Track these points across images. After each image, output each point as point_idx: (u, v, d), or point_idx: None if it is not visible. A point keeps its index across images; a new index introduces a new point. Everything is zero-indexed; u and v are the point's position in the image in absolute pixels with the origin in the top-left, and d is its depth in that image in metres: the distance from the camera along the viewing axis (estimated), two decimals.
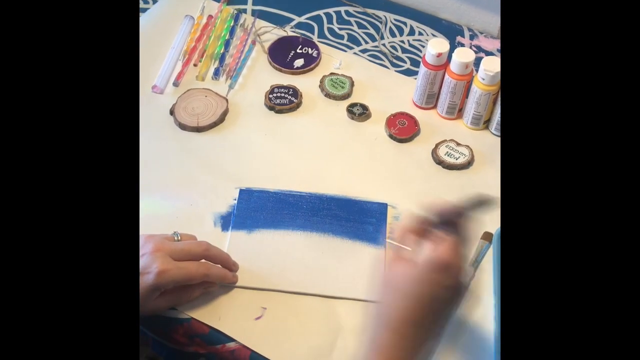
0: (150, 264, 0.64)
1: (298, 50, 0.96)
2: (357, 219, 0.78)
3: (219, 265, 0.70)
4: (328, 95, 0.92)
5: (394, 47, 0.99)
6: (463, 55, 0.85)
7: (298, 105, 0.90)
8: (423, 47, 1.00)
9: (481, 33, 1.02)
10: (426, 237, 0.58)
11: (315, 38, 1.00)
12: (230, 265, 0.71)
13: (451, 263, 0.55)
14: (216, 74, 0.93)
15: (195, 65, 0.94)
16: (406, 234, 0.58)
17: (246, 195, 0.80)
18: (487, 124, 0.89)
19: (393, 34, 1.01)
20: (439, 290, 0.54)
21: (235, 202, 0.79)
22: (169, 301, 0.68)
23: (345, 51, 0.98)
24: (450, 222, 0.58)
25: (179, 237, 0.70)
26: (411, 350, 0.53)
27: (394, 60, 0.98)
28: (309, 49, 0.97)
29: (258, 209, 0.78)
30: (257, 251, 0.75)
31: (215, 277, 0.69)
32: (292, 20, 1.02)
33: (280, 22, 1.01)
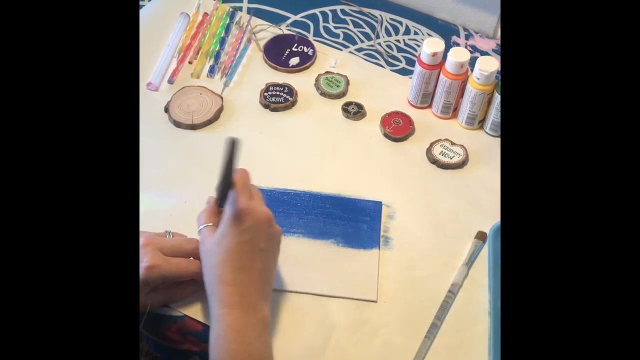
0: (140, 258, 0.64)
1: (293, 49, 0.96)
2: (351, 217, 0.78)
3: None
4: (323, 93, 0.92)
5: (389, 46, 1.00)
6: (458, 55, 0.85)
7: (293, 103, 0.90)
8: (418, 46, 1.00)
9: (477, 33, 1.02)
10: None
11: (310, 36, 1.00)
12: None
13: (240, 211, 0.63)
14: (211, 71, 0.93)
15: (190, 62, 0.94)
16: (205, 216, 0.68)
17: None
18: (481, 123, 0.89)
19: (389, 33, 1.01)
20: (242, 235, 0.62)
21: None
22: (161, 298, 0.68)
23: (341, 50, 0.98)
24: (224, 190, 0.66)
25: (171, 237, 0.70)
26: (247, 287, 0.62)
27: (390, 60, 0.98)
28: (305, 48, 0.97)
29: None
30: None
31: None
32: (287, 18, 1.02)
33: (276, 20, 1.01)
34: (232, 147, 0.63)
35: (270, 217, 0.65)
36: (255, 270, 0.63)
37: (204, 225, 0.67)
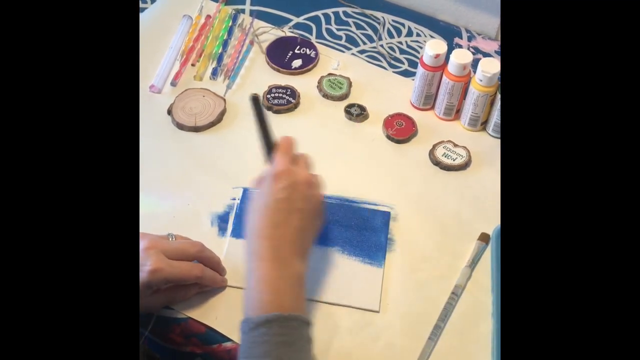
0: (144, 261, 0.64)
1: (296, 51, 0.96)
2: (359, 225, 0.78)
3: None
4: (326, 95, 0.92)
5: (391, 48, 1.00)
6: (461, 57, 0.85)
7: (296, 105, 0.90)
8: (421, 48, 1.00)
9: (479, 34, 1.02)
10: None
11: (313, 39, 1.00)
12: (220, 269, 0.71)
13: (278, 171, 0.66)
14: (214, 74, 0.93)
15: (193, 65, 0.94)
16: (256, 181, 0.70)
17: (249, 195, 0.79)
18: (484, 125, 0.89)
19: (391, 35, 1.01)
20: (279, 193, 0.65)
21: (234, 201, 0.79)
22: (162, 300, 0.68)
23: (343, 52, 0.98)
24: (270, 148, 0.71)
25: (174, 239, 0.70)
26: (281, 242, 0.63)
27: (392, 61, 0.98)
28: (307, 50, 0.97)
29: None
30: None
31: (208, 280, 0.69)
32: (290, 20, 1.02)
33: (279, 22, 1.01)
34: (254, 103, 0.67)
35: (309, 180, 0.67)
36: (290, 227, 0.64)
37: (254, 189, 0.69)
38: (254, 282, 0.62)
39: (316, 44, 0.98)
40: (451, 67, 0.86)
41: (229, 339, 0.68)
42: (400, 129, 0.88)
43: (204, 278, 0.68)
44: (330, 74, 0.94)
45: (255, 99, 0.67)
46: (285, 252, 0.63)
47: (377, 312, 0.71)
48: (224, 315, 0.70)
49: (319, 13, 1.04)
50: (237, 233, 0.76)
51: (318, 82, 0.93)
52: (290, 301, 0.61)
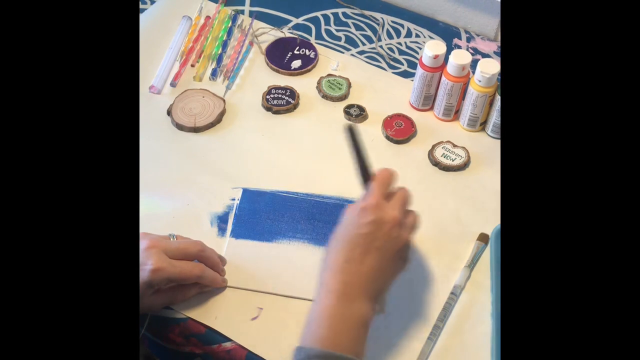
0: (145, 261, 0.64)
1: (295, 52, 0.97)
2: None
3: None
4: (325, 96, 0.92)
5: (391, 49, 1.00)
6: (460, 57, 0.85)
7: (295, 106, 0.90)
8: (420, 49, 1.00)
9: (478, 35, 1.03)
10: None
11: (312, 39, 1.00)
12: (220, 269, 0.71)
13: (367, 205, 0.64)
14: (213, 74, 0.93)
15: (192, 65, 0.94)
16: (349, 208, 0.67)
17: (248, 196, 0.80)
18: (483, 125, 0.89)
19: (390, 36, 1.02)
20: (361, 227, 0.63)
21: (234, 202, 0.79)
22: (163, 300, 0.68)
23: (343, 53, 0.99)
24: (366, 178, 0.68)
25: (175, 239, 0.70)
26: (351, 279, 0.61)
27: (391, 62, 0.98)
28: (307, 51, 0.97)
29: (258, 212, 0.78)
30: (255, 255, 0.75)
31: (208, 280, 0.69)
32: (289, 21, 1.03)
33: (278, 23, 1.02)
34: (351, 134, 0.65)
35: (398, 220, 0.64)
36: (365, 266, 0.62)
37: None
38: (317, 313, 0.60)
39: (315, 45, 0.98)
40: (450, 68, 0.86)
41: (228, 339, 0.69)
42: (399, 130, 0.88)
43: (204, 277, 0.68)
44: (329, 75, 0.94)
45: (350, 129, 0.64)
46: (354, 290, 0.61)
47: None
48: (223, 316, 0.70)
49: (318, 14, 1.04)
50: (237, 233, 0.76)
51: (317, 83, 0.93)
52: (348, 342, 0.59)
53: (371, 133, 0.88)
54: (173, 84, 0.92)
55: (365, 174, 0.67)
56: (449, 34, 1.02)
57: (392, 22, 1.04)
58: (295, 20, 1.03)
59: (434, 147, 0.87)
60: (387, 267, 0.64)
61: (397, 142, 0.88)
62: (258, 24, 1.00)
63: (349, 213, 0.65)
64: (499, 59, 0.98)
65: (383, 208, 0.64)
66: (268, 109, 0.90)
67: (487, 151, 0.87)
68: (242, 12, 1.03)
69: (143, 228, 0.67)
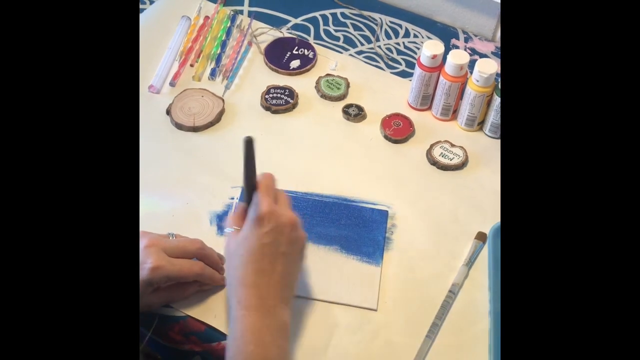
0: (145, 259, 0.64)
1: (294, 52, 0.97)
2: (356, 224, 0.78)
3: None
4: (324, 96, 0.92)
5: (389, 49, 1.00)
6: (458, 57, 0.85)
7: (294, 105, 0.91)
8: (418, 49, 1.00)
9: (475, 36, 1.03)
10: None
11: (311, 39, 1.00)
12: (219, 268, 0.71)
13: (262, 214, 0.63)
14: (213, 74, 0.94)
15: (191, 65, 0.95)
16: (232, 220, 0.67)
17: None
18: (481, 125, 0.90)
19: (388, 36, 1.02)
20: (263, 237, 0.62)
21: (232, 201, 0.80)
22: (162, 298, 0.69)
23: (341, 53, 0.99)
24: (249, 192, 0.66)
25: (174, 238, 0.70)
26: (267, 290, 0.62)
27: (390, 62, 0.98)
28: (305, 50, 0.97)
29: None
30: None
31: (207, 278, 0.70)
32: (288, 21, 1.03)
33: (277, 23, 1.02)
34: (247, 146, 0.64)
35: (294, 221, 0.64)
36: (276, 274, 0.62)
37: (230, 229, 0.66)
38: (239, 331, 0.60)
39: (314, 45, 0.99)
40: (448, 68, 0.86)
41: None
42: (397, 129, 0.89)
43: (204, 275, 0.69)
44: (328, 75, 0.95)
45: (248, 143, 0.64)
46: (271, 301, 0.61)
47: (375, 310, 0.72)
48: (222, 314, 0.70)
49: (316, 14, 1.04)
50: None
51: (316, 83, 0.93)
52: (276, 354, 0.60)
53: (370, 132, 0.89)
54: (172, 84, 0.92)
55: (251, 184, 0.66)
56: (447, 34, 1.03)
57: (391, 22, 1.04)
58: (294, 21, 1.03)
59: (432, 146, 0.87)
60: (295, 268, 0.65)
61: (396, 142, 0.88)
62: (257, 24, 1.01)
63: (245, 227, 0.64)
64: (497, 59, 0.99)
65: (277, 213, 0.63)
66: (267, 108, 0.90)
67: (484, 150, 0.88)
68: (241, 12, 1.03)
69: (142, 227, 0.67)
